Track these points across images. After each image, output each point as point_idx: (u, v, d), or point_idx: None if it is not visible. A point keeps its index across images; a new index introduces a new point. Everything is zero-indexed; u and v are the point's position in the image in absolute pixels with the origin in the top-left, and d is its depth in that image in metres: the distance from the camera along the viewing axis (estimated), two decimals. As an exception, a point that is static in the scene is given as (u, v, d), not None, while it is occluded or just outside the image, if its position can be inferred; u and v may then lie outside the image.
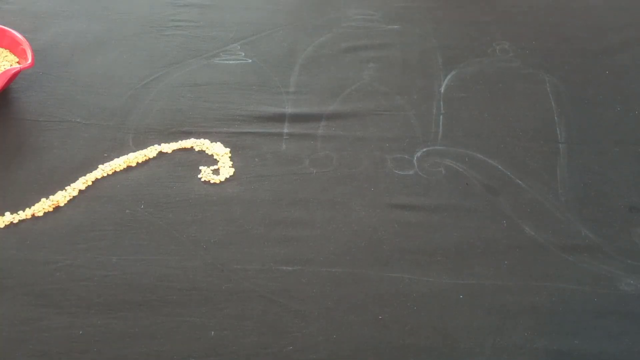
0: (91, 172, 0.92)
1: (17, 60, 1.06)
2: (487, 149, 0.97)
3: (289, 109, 1.04)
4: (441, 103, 1.06)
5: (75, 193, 0.90)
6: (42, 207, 0.87)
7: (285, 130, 1.00)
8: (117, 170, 0.93)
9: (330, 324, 0.76)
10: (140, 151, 0.96)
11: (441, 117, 1.03)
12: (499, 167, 0.94)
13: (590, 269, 0.81)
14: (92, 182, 0.91)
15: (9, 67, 1.02)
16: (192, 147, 0.97)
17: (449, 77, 1.12)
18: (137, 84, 1.09)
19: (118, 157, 0.95)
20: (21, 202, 0.88)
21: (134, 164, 0.94)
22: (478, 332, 0.75)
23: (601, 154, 0.97)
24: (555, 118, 1.03)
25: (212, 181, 0.92)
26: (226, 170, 0.93)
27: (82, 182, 0.91)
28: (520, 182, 0.92)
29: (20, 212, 0.87)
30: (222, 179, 0.92)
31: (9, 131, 0.99)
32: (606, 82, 1.12)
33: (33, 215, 0.87)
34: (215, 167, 0.94)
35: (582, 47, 1.21)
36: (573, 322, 0.76)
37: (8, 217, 0.86)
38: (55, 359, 0.72)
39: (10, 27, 1.08)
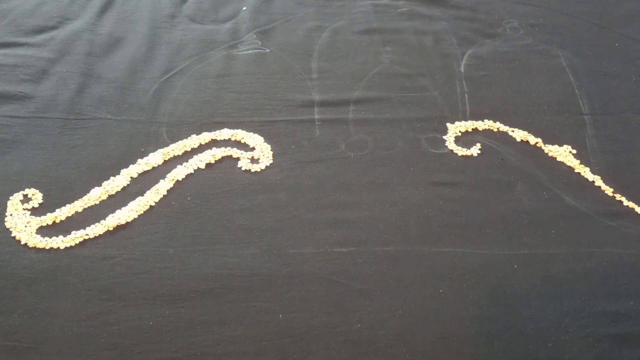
0: (131, 167, 0.93)
1: None
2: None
3: (316, 96, 1.05)
4: (463, 82, 1.08)
5: (119, 189, 0.90)
6: (91, 203, 0.88)
7: (317, 117, 1.01)
8: (157, 163, 0.94)
9: (393, 300, 0.78)
10: (177, 143, 0.97)
11: (466, 95, 1.05)
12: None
13: (633, 233, 0.84)
14: (135, 176, 0.92)
15: None
16: (228, 138, 0.98)
17: (465, 56, 1.14)
18: (159, 78, 1.09)
19: (155, 151, 0.96)
20: (65, 199, 0.89)
21: (172, 157, 0.95)
22: (537, 299, 0.78)
23: (625, 123, 1.00)
24: (576, 91, 1.06)
25: (252, 170, 0.93)
26: (265, 158, 0.94)
27: (125, 178, 0.91)
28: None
29: (64, 209, 0.87)
30: (263, 167, 0.93)
31: (41, 131, 0.98)
32: (617, 54, 1.15)
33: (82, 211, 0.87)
34: (254, 156, 0.95)
35: (587, 22, 1.24)
36: (626, 285, 0.79)
37: (57, 214, 0.86)
38: (129, 351, 0.73)
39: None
